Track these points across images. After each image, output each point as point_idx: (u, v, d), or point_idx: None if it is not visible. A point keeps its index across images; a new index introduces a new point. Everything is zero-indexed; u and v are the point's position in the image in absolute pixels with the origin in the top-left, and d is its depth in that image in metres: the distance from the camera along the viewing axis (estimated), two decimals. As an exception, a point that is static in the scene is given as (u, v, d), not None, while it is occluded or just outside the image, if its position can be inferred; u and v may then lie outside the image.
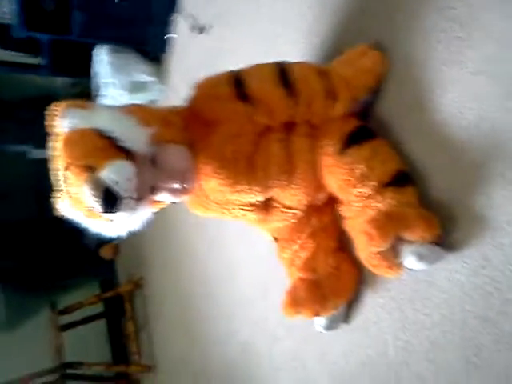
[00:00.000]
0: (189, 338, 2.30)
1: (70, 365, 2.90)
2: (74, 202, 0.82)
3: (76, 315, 3.19)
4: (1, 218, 3.67)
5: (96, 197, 0.76)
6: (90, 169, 0.78)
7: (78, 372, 2.98)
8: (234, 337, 1.79)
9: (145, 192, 0.87)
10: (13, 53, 2.57)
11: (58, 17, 2.17)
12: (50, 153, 0.87)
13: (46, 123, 0.86)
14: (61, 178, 0.83)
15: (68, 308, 3.14)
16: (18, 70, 2.77)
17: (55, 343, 2.93)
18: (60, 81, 3.10)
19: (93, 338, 3.54)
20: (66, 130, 0.83)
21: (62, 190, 0.84)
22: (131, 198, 0.80)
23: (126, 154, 0.81)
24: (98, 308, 3.48)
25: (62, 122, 0.83)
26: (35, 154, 2.92)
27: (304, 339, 1.32)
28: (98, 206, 0.77)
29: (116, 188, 0.77)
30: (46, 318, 3.11)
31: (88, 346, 3.37)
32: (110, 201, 0.77)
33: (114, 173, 0.77)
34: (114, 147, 0.81)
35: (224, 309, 1.89)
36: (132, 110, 0.91)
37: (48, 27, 2.23)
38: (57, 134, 0.85)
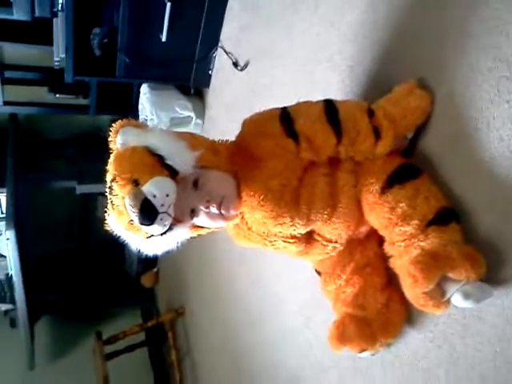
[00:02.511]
0: (233, 366, 2.32)
1: (116, 394, 2.95)
2: (117, 214, 0.86)
3: (119, 344, 3.26)
4: (46, 251, 3.79)
5: (134, 207, 0.81)
6: (134, 182, 0.82)
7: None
8: (281, 367, 1.80)
9: (184, 213, 0.91)
10: (62, 95, 2.71)
11: (105, 60, 2.29)
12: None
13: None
14: (108, 190, 0.87)
15: (112, 338, 3.19)
16: (66, 111, 2.93)
17: (102, 372, 2.98)
18: (104, 119, 3.24)
19: (137, 367, 3.60)
20: (119, 145, 0.88)
21: (109, 204, 0.88)
22: (168, 213, 0.83)
23: (171, 172, 0.85)
24: (141, 337, 3.54)
25: (117, 139, 0.88)
26: (81, 189, 3.04)
27: (352, 370, 1.33)
28: (135, 218, 0.81)
29: (154, 201, 0.81)
30: (91, 348, 3.18)
31: (132, 374, 3.41)
32: (147, 213, 0.81)
33: (154, 187, 0.81)
34: (160, 165, 0.85)
35: (267, 338, 1.90)
36: (182, 135, 0.96)
37: (95, 70, 2.36)
38: (111, 150, 0.91)
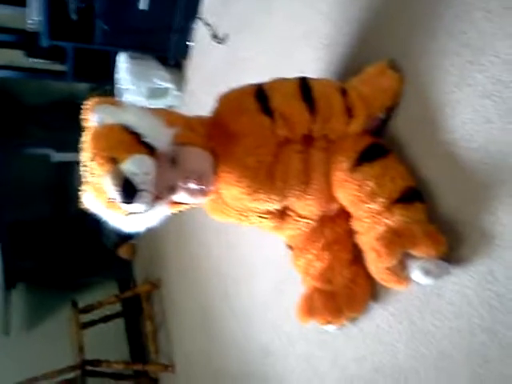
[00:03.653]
0: (207, 338, 2.35)
1: (90, 362, 2.97)
2: (97, 192, 0.85)
3: (95, 314, 3.27)
4: (22, 219, 3.75)
5: (115, 186, 0.80)
6: (113, 160, 0.82)
7: (98, 369, 3.05)
8: (251, 338, 1.84)
9: (163, 190, 0.90)
10: (38, 60, 2.65)
11: (82, 26, 2.24)
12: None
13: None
14: (86, 168, 0.86)
15: (88, 307, 3.20)
16: (43, 76, 2.87)
17: (77, 341, 2.99)
18: (81, 86, 3.18)
19: (112, 337, 3.62)
20: (95, 124, 0.87)
21: (86, 182, 0.87)
22: (148, 191, 0.83)
23: (149, 150, 0.85)
24: (117, 307, 3.56)
25: (92, 117, 0.87)
26: (57, 157, 3.00)
27: (318, 343, 1.37)
28: (116, 196, 0.81)
29: (134, 179, 0.80)
30: (66, 317, 3.19)
31: (107, 344, 3.43)
32: (128, 191, 0.81)
33: (133, 165, 0.81)
34: (137, 143, 0.84)
35: (241, 310, 1.94)
36: (158, 112, 0.96)
37: (72, 36, 2.30)
38: (87, 128, 0.90)
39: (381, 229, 0.96)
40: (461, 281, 0.91)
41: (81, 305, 3.18)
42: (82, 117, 0.90)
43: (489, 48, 0.84)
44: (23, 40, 2.69)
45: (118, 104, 0.93)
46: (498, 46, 0.83)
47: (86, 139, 0.88)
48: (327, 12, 1.32)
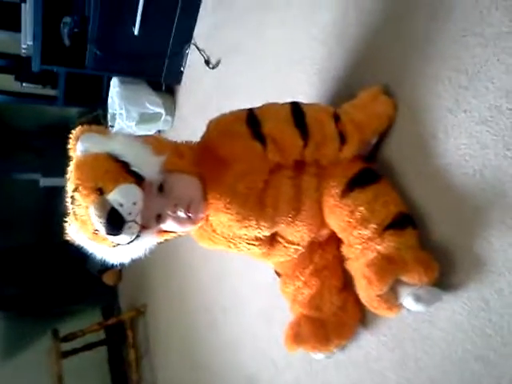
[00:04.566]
0: (191, 367, 2.30)
1: (70, 392, 2.89)
2: (81, 224, 0.82)
3: (77, 342, 3.19)
4: (4, 245, 3.69)
5: (100, 217, 0.77)
6: (99, 191, 0.79)
7: (78, 400, 2.97)
8: (237, 367, 1.80)
9: (151, 219, 0.87)
10: (29, 84, 2.65)
11: (74, 51, 2.25)
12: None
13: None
14: (69, 199, 0.83)
15: (70, 335, 3.13)
16: (34, 101, 2.87)
17: (56, 370, 2.92)
18: (72, 111, 3.18)
19: (93, 365, 3.53)
20: (80, 153, 0.84)
21: (69, 213, 0.84)
22: (135, 222, 0.80)
23: (136, 179, 0.82)
24: (100, 335, 3.48)
25: (77, 146, 0.85)
26: (45, 182, 2.97)
27: (306, 371, 1.34)
28: (101, 228, 0.78)
29: (121, 210, 0.77)
30: (47, 345, 3.10)
31: (88, 373, 3.36)
32: (114, 223, 0.77)
33: (120, 195, 0.78)
34: (124, 171, 0.81)
35: (228, 339, 1.90)
36: (146, 139, 0.93)
37: (64, 60, 2.31)
38: (71, 158, 0.87)
39: (372, 255, 0.95)
40: (453, 308, 0.90)
41: (63, 333, 3.12)
42: (68, 145, 0.88)
43: (483, 74, 0.85)
44: (14, 64, 2.70)
45: (104, 132, 0.90)
46: (492, 71, 0.84)
47: (71, 169, 0.85)
48: (320, 38, 1.33)
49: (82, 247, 0.87)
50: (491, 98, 0.84)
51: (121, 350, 3.53)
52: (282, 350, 1.41)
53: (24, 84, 2.64)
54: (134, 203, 0.79)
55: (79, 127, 0.88)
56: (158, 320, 2.93)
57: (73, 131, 0.88)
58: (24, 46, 2.29)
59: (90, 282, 3.99)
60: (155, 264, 2.96)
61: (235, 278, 1.85)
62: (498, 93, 0.83)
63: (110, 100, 2.57)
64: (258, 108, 1.03)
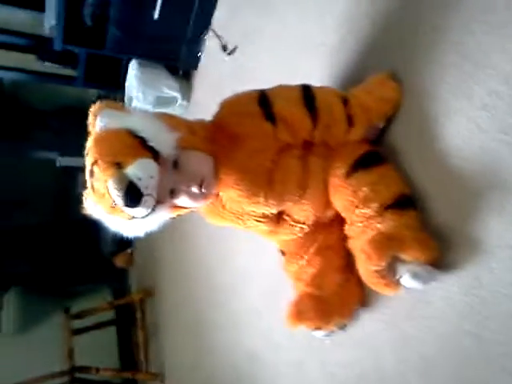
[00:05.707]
0: (197, 347, 2.35)
1: (80, 369, 2.96)
2: (99, 197, 0.85)
3: (88, 320, 3.27)
4: (20, 223, 3.76)
5: (119, 191, 0.80)
6: (117, 165, 0.82)
7: (87, 377, 3.04)
8: (241, 346, 1.84)
9: (165, 194, 0.91)
10: (50, 64, 2.71)
11: (96, 32, 2.30)
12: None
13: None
14: (88, 173, 0.86)
15: (81, 313, 3.21)
16: (54, 80, 2.92)
17: (67, 346, 3.00)
18: (90, 93, 3.23)
19: (103, 344, 3.61)
20: (99, 128, 0.88)
21: (89, 187, 0.87)
22: (152, 196, 0.83)
23: (153, 154, 0.85)
24: (110, 315, 3.55)
25: (97, 121, 0.88)
26: (62, 161, 3.03)
27: (306, 349, 1.38)
28: (119, 201, 0.81)
29: (139, 184, 0.81)
30: (59, 322, 3.19)
31: (98, 351, 3.43)
32: (132, 196, 0.81)
33: (139, 169, 0.81)
34: (142, 147, 0.85)
35: (232, 318, 1.94)
36: (160, 116, 0.96)
37: (85, 41, 2.36)
38: (90, 133, 0.91)
39: (372, 233, 0.98)
40: (448, 287, 0.92)
41: (74, 311, 3.19)
42: (85, 126, 0.92)
43: (487, 61, 0.88)
44: (36, 44, 2.76)
45: (122, 109, 0.94)
46: (495, 58, 0.86)
47: (90, 144, 0.89)
48: (334, 25, 1.36)
49: (96, 228, 0.91)
50: (492, 84, 0.86)
51: (130, 331, 3.60)
52: (283, 328, 1.45)
53: (46, 63, 2.69)
54: (151, 177, 0.83)
55: (98, 103, 0.92)
56: (167, 302, 2.98)
57: (92, 107, 0.92)
58: (48, 26, 2.34)
59: (102, 263, 4.07)
60: (164, 247, 3.01)
61: (241, 259, 1.89)
62: (499, 79, 0.85)
63: (127, 83, 2.62)
64: (270, 89, 1.07)
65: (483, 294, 0.85)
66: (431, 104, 0.99)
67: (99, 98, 3.17)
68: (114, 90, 2.91)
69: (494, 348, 0.83)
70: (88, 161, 0.87)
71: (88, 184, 0.88)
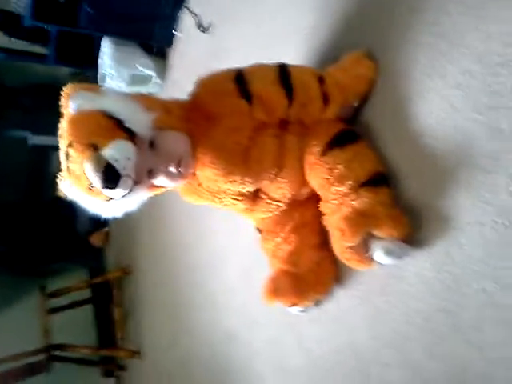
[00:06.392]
0: (175, 326, 2.37)
1: (57, 347, 2.97)
2: (75, 179, 0.85)
3: (64, 299, 3.27)
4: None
5: (96, 173, 0.80)
6: (93, 147, 0.82)
7: (65, 355, 3.04)
8: (217, 324, 1.87)
9: (142, 174, 0.91)
10: (20, 41, 2.63)
11: (68, 9, 2.23)
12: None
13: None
14: (63, 155, 0.86)
15: (57, 292, 3.20)
16: (25, 58, 2.84)
17: (43, 325, 2.99)
18: (62, 70, 3.16)
19: (80, 323, 3.61)
20: (73, 110, 0.87)
21: (63, 169, 0.87)
22: (129, 176, 0.84)
23: (129, 135, 0.85)
24: (86, 293, 3.55)
25: (69, 103, 0.87)
26: (34, 140, 2.98)
27: (282, 325, 1.41)
28: (97, 183, 0.81)
29: (116, 165, 0.81)
30: (35, 301, 3.18)
31: (75, 329, 3.43)
32: (110, 177, 0.81)
33: (115, 151, 0.81)
34: (118, 128, 0.84)
35: (209, 297, 1.96)
36: (136, 97, 0.96)
37: (57, 18, 2.29)
38: (64, 115, 0.89)
39: (347, 210, 1.00)
40: (420, 263, 0.95)
41: (50, 290, 3.17)
42: (58, 104, 0.90)
43: (461, 40, 0.89)
44: (4, 20, 2.67)
45: (96, 90, 0.93)
46: (469, 38, 0.88)
47: (64, 126, 0.88)
48: (311, 5, 1.36)
49: (71, 207, 0.91)
50: (466, 63, 0.88)
51: (107, 309, 3.61)
52: (259, 306, 1.48)
53: (12, 39, 2.61)
54: (128, 158, 0.83)
55: (70, 85, 0.91)
56: (144, 280, 2.99)
57: (64, 89, 0.91)
58: (15, 1, 2.27)
59: (77, 242, 4.04)
60: (141, 226, 3.01)
61: (219, 237, 1.91)
62: (472, 58, 0.86)
63: (100, 61, 2.57)
64: (246, 68, 1.07)
65: (454, 269, 0.88)
66: (405, 83, 1.00)
67: (73, 75, 3.10)
68: (87, 68, 2.85)
69: (464, 321, 0.86)
70: (63, 143, 0.87)
71: (63, 166, 0.87)
